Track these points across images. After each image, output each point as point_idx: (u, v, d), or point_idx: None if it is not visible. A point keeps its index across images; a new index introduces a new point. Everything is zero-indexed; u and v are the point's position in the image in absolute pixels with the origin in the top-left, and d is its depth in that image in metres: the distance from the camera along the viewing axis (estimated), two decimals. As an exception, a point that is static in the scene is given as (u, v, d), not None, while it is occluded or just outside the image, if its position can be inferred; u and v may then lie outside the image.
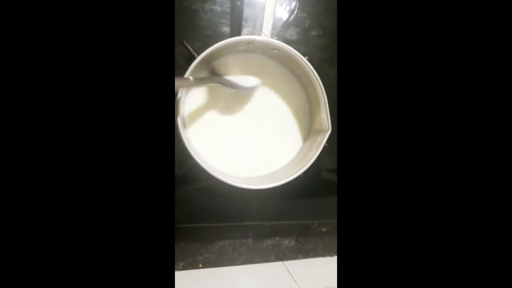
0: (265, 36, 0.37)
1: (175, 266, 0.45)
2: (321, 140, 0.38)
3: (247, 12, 0.42)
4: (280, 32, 0.45)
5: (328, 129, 0.38)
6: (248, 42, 0.38)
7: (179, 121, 0.35)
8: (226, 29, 0.42)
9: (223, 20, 0.42)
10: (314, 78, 0.38)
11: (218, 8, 0.41)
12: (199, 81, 0.36)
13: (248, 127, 0.42)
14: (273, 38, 0.37)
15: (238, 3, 0.42)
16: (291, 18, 0.44)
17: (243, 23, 0.42)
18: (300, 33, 0.45)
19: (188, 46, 0.40)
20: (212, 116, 0.41)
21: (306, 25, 0.45)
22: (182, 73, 0.38)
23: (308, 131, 0.43)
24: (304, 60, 0.38)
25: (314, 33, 0.45)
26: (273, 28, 0.38)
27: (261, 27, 0.38)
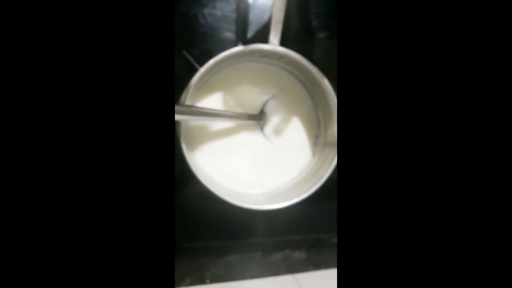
0: (273, 44, 0.34)
1: (182, 282, 0.43)
2: (333, 156, 0.36)
3: (250, 16, 0.39)
4: (285, 34, 0.41)
5: (342, 144, 0.35)
6: (255, 51, 0.35)
7: (182, 138, 0.32)
8: (228, 34, 0.39)
9: (224, 25, 0.38)
10: (327, 89, 0.36)
11: (218, 12, 0.38)
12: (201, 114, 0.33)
13: (256, 140, 0.40)
14: (281, 46, 0.35)
15: (241, 7, 0.38)
16: (297, 18, 0.41)
17: (247, 28, 0.39)
18: (306, 36, 0.41)
19: (189, 56, 0.36)
20: (217, 130, 0.38)
21: (313, 27, 0.42)
22: (182, 84, 0.35)
23: (320, 143, 0.41)
24: (316, 69, 0.36)
25: (321, 35, 0.42)
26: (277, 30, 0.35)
27: (268, 33, 0.34)
